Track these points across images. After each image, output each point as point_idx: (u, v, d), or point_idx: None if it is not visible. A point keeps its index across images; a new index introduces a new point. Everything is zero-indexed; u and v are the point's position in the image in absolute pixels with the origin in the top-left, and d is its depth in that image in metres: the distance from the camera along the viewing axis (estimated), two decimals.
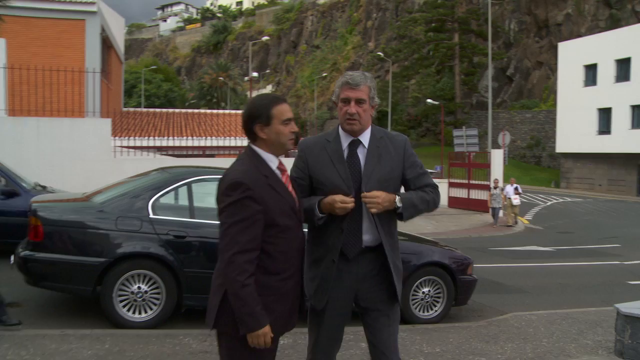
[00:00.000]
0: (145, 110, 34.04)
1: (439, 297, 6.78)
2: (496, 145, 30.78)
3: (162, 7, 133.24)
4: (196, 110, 35.58)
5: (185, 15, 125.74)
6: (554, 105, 44.80)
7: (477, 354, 5.44)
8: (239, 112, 34.77)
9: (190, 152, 19.19)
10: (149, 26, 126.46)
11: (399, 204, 3.03)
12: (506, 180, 22.28)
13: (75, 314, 6.49)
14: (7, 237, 8.28)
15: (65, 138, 13.38)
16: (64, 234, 5.95)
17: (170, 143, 19.22)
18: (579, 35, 45.70)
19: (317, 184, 3.09)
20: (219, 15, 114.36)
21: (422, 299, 6.69)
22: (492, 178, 21.46)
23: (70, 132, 13.45)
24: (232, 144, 20.08)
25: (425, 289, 6.70)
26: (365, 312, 3.16)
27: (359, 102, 3.03)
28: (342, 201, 2.90)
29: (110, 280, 5.86)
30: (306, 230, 3.00)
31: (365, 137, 3.13)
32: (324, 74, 75.92)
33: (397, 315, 3.24)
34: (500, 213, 20.39)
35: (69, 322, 6.05)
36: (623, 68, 36.94)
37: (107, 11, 23.70)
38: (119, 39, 28.47)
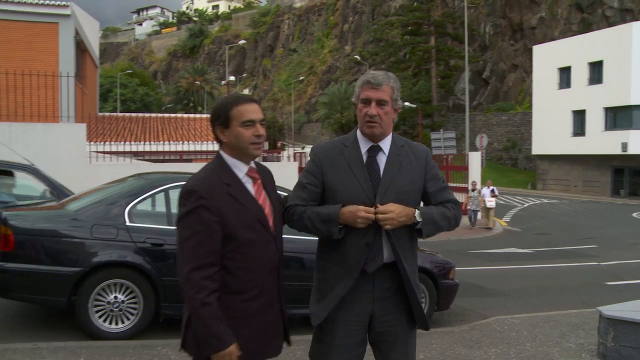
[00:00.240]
0: (121, 114, 33.68)
1: (421, 303, 6.71)
2: (473, 148, 31.02)
3: (138, 11, 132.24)
4: (173, 115, 35.28)
5: (161, 19, 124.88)
6: (530, 107, 45.26)
7: (461, 359, 5.39)
8: None
9: (167, 157, 18.98)
10: (124, 30, 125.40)
11: (418, 219, 2.72)
12: (483, 182, 22.41)
13: (48, 326, 6.31)
14: None
15: (39, 144, 13.10)
16: (37, 243, 5.77)
17: (147, 148, 19.00)
18: (553, 39, 46.27)
19: (331, 192, 2.77)
20: (195, 19, 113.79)
21: None
22: (470, 180, 21.56)
23: (43, 137, 13.17)
24: (210, 148, 19.92)
25: None
26: (379, 338, 2.83)
27: (380, 103, 2.75)
28: (366, 211, 2.60)
29: (85, 290, 5.70)
30: (314, 241, 2.81)
31: (385, 144, 2.84)
32: (301, 78, 75.91)
33: (414, 341, 2.94)
34: (479, 215, 20.48)
35: (41, 334, 5.87)
36: (596, 71, 37.44)
37: (81, 14, 23.37)
38: (94, 42, 28.10)
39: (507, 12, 55.06)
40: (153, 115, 33.33)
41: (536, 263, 12.94)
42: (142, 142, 20.05)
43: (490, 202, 20.09)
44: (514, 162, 49.98)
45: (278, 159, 19.04)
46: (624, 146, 34.93)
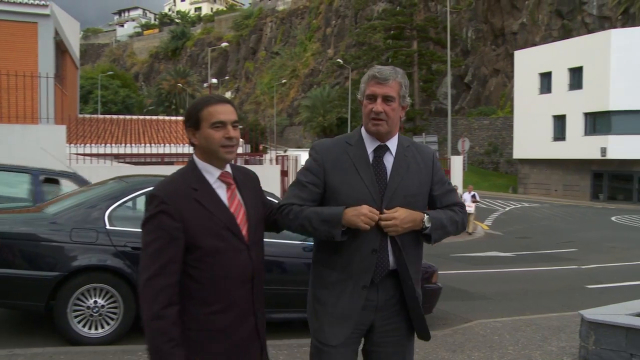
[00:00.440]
0: (102, 116, 33.37)
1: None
2: (455, 152, 31.14)
3: (119, 12, 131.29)
4: (154, 117, 35.04)
5: (143, 21, 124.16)
6: (511, 112, 45.66)
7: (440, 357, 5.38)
8: None
9: (148, 160, 18.81)
10: (106, 31, 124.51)
11: (427, 224, 2.56)
12: (465, 186, 22.52)
13: (25, 331, 6.20)
14: None
15: (17, 145, 12.90)
16: (14, 247, 5.65)
17: (128, 150, 18.83)
18: (534, 44, 46.75)
19: (333, 193, 2.59)
20: (177, 21, 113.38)
21: None
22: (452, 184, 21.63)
23: (22, 139, 12.98)
24: (191, 150, 19.79)
25: None
26: (375, 349, 2.69)
27: (386, 99, 2.58)
28: (370, 210, 2.42)
29: (64, 295, 5.60)
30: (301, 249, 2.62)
31: (392, 144, 2.67)
32: (283, 81, 75.89)
33: (412, 351, 2.81)
34: None
35: (18, 340, 5.76)
36: (576, 76, 37.88)
37: (61, 14, 23.11)
38: (74, 43, 27.82)
39: (489, 18, 55.56)
40: (134, 117, 33.06)
41: (517, 266, 13.01)
42: (123, 145, 19.88)
43: (470, 208, 20.11)
44: (496, 166, 50.36)
45: (260, 162, 18.97)
46: (603, 151, 35.37)
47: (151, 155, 18.52)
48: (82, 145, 16.76)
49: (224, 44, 68.93)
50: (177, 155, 19.48)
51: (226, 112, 2.35)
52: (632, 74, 34.02)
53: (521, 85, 42.19)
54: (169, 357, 2.12)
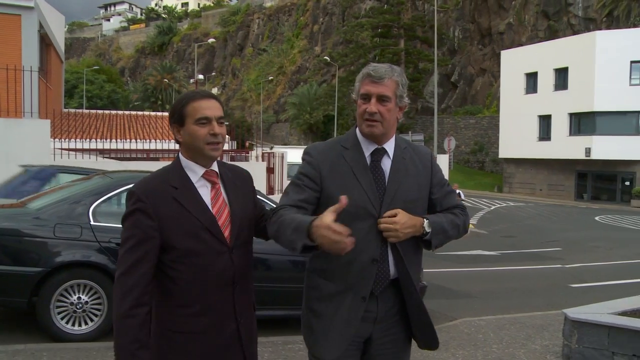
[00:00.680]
0: (87, 111, 33.08)
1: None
2: (441, 151, 31.26)
3: (105, 6, 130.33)
4: (140, 113, 34.81)
5: (129, 15, 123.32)
6: (497, 111, 45.92)
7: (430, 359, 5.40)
8: None
9: (134, 155, 18.68)
10: (91, 25, 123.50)
11: (427, 229, 2.41)
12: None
13: (7, 328, 6.14)
14: None
15: (0, 139, 12.76)
16: None
17: (113, 146, 18.68)
18: (520, 44, 47.03)
19: (330, 200, 2.34)
20: (164, 16, 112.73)
21: None
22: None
23: (5, 133, 12.83)
24: (177, 147, 19.70)
25: None
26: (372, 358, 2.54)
27: (381, 99, 2.41)
28: (336, 231, 2.01)
29: (47, 291, 5.55)
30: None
31: (390, 146, 2.53)
32: (270, 78, 75.72)
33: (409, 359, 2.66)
34: None
35: None
36: (561, 77, 38.17)
37: (46, 7, 22.87)
38: (59, 37, 27.55)
39: (476, 17, 55.80)
40: (120, 112, 32.84)
41: (502, 265, 13.08)
42: (109, 140, 19.73)
43: None
44: (481, 165, 50.63)
45: (246, 159, 18.91)
46: (588, 151, 35.70)
47: (137, 150, 18.40)
48: (67, 140, 16.58)
49: (211, 40, 68.58)
50: (162, 151, 19.37)
51: (211, 108, 2.26)
52: (616, 76, 34.39)
53: (507, 85, 42.44)
54: (133, 359, 2.08)
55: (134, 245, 2.17)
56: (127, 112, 33.03)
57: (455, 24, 57.48)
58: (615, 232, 21.27)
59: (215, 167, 2.35)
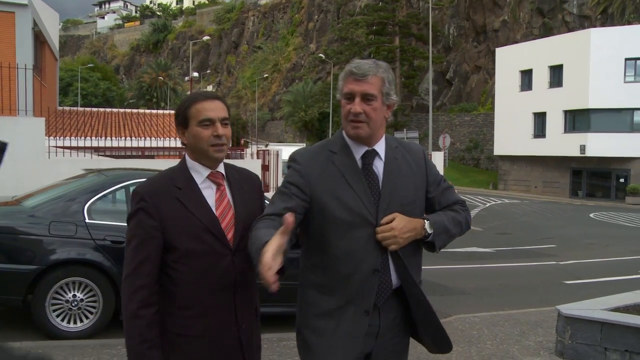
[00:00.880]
0: (81, 109, 32.99)
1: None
2: (436, 148, 31.31)
3: (100, 4, 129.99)
4: (135, 110, 34.75)
5: (124, 13, 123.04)
6: (492, 108, 45.97)
7: (423, 359, 5.41)
8: None
9: (129, 153, 18.65)
10: (86, 23, 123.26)
11: (429, 231, 2.27)
12: None
13: (2, 326, 6.13)
14: None
15: None
16: None
17: (108, 144, 18.65)
18: (515, 42, 47.09)
19: (322, 210, 2.23)
20: (158, 13, 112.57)
21: None
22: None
23: None
24: (172, 144, 19.68)
25: None
26: None
27: (366, 98, 2.24)
28: (266, 266, 1.76)
29: (42, 289, 5.55)
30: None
31: (380, 147, 2.35)
32: (265, 75, 75.70)
33: None
34: None
35: None
36: (556, 74, 38.22)
37: (40, 5, 22.79)
38: (53, 34, 27.46)
39: (471, 15, 55.85)
40: (115, 110, 32.77)
41: (497, 262, 13.13)
42: (104, 138, 19.70)
43: None
44: (476, 163, 50.71)
45: (241, 156, 18.90)
46: (582, 148, 35.78)
47: (132, 148, 18.38)
48: (62, 138, 16.57)
49: (206, 38, 68.47)
50: (157, 148, 19.35)
51: (214, 109, 2.25)
52: (611, 73, 34.45)
53: (502, 82, 42.49)
54: (143, 359, 2.10)
55: (138, 245, 2.18)
56: (122, 110, 32.97)
57: (450, 22, 57.54)
58: (610, 229, 21.36)
59: (221, 168, 2.35)
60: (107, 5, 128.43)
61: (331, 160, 2.30)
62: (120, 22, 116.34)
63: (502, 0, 53.12)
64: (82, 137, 18.15)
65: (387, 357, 2.38)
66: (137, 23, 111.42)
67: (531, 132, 39.96)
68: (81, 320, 5.68)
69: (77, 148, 15.66)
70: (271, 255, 1.77)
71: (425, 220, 2.29)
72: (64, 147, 14.92)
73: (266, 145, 28.72)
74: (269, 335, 5.80)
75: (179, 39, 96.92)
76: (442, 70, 56.44)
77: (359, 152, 2.32)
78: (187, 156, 2.33)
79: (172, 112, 34.88)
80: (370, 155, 2.33)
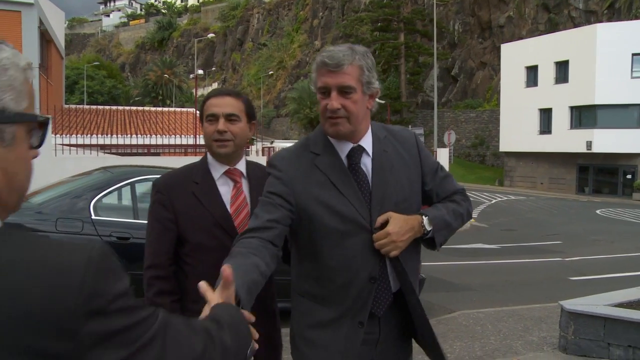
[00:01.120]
0: (87, 107, 33.15)
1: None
2: (442, 144, 31.32)
3: (105, 2, 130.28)
4: (140, 108, 34.87)
5: (129, 11, 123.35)
6: (498, 105, 45.84)
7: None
8: (184, 110, 34.46)
9: (134, 151, 18.74)
10: (91, 21, 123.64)
11: (428, 228, 2.06)
12: None
13: None
14: None
15: None
16: None
17: (114, 141, 18.75)
18: (520, 38, 46.93)
19: (309, 220, 2.03)
20: (163, 11, 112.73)
21: None
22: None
23: None
24: (178, 142, 19.74)
25: None
26: None
27: (343, 91, 1.97)
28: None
29: None
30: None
31: (367, 141, 2.11)
32: (270, 72, 75.70)
33: None
34: None
35: None
36: (562, 70, 38.08)
37: (46, 4, 22.89)
38: (59, 33, 27.57)
39: (476, 11, 55.68)
40: (120, 108, 32.91)
41: (502, 258, 13.13)
42: (109, 135, 19.79)
43: None
44: (482, 159, 50.61)
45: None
46: (589, 144, 35.66)
47: (137, 146, 18.46)
48: (68, 135, 16.64)
49: (211, 35, 68.47)
50: (163, 146, 19.42)
51: (220, 105, 2.28)
52: (617, 68, 34.30)
53: (508, 79, 42.37)
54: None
55: (156, 237, 2.27)
56: (127, 108, 33.09)
57: (455, 18, 57.38)
58: (616, 226, 21.30)
59: (241, 165, 2.37)
60: (112, 3, 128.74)
61: (314, 164, 2.06)
62: (126, 20, 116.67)
63: None
64: (88, 135, 18.24)
65: None
66: (142, 21, 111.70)
67: (537, 129, 39.84)
68: None
69: (83, 146, 15.74)
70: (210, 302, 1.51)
71: (424, 217, 2.07)
72: (70, 145, 15.00)
73: (271, 143, 28.79)
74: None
75: (184, 36, 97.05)
76: (447, 66, 56.31)
77: (344, 150, 2.08)
78: (208, 152, 2.39)
79: (178, 109, 34.98)
80: (357, 152, 2.09)
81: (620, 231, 19.31)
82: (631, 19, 39.72)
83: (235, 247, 1.87)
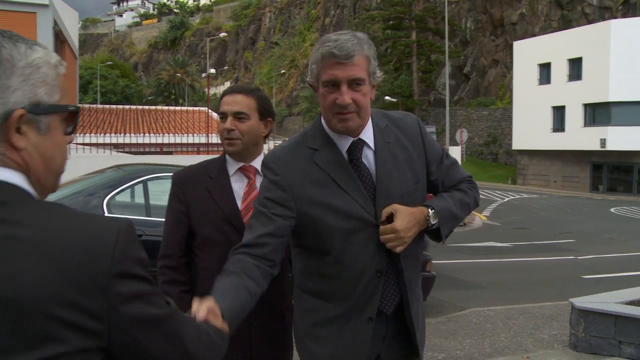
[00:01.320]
0: (101, 106, 33.39)
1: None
2: (454, 142, 31.19)
3: (118, 2, 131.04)
4: (153, 107, 35.08)
5: (142, 11, 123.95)
6: (510, 102, 45.62)
7: (437, 350, 5.46)
8: (197, 108, 34.61)
9: (147, 150, 18.87)
10: (104, 21, 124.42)
11: (433, 221, 1.96)
12: None
13: None
14: None
15: None
16: None
17: (127, 140, 18.89)
18: (533, 35, 46.64)
19: (312, 223, 1.92)
20: (176, 10, 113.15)
21: None
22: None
23: None
24: (190, 140, 19.85)
25: None
26: None
27: (354, 83, 1.84)
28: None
29: None
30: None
31: (368, 134, 1.99)
32: (282, 71, 75.83)
33: None
34: None
35: None
36: (575, 67, 37.82)
37: (60, 4, 23.08)
38: (73, 33, 27.79)
39: (488, 8, 55.41)
40: (133, 107, 33.11)
41: (514, 256, 13.09)
42: (123, 134, 19.94)
43: None
44: (495, 157, 50.39)
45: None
46: (603, 142, 35.39)
47: (150, 145, 18.59)
48: (82, 135, 16.82)
49: (223, 34, 68.69)
50: (175, 145, 19.54)
51: (229, 103, 2.31)
52: (632, 65, 33.96)
53: (520, 76, 42.14)
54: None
55: (170, 228, 2.36)
56: (140, 107, 33.30)
57: (467, 15, 57.14)
58: (630, 224, 21.14)
59: (256, 162, 2.38)
60: (125, 4, 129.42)
61: (313, 161, 1.94)
62: (138, 19, 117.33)
63: None
64: (102, 134, 18.39)
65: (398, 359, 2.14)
66: (155, 20, 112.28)
67: (550, 126, 39.61)
68: None
69: (97, 145, 15.88)
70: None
71: (430, 210, 1.96)
72: (84, 144, 15.15)
73: (283, 141, 28.88)
74: None
75: (196, 35, 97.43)
76: (460, 64, 56.10)
77: (344, 145, 1.96)
78: None
79: (190, 108, 35.16)
80: (358, 147, 1.97)
81: (635, 230, 19.17)
82: None
83: (228, 265, 1.81)
